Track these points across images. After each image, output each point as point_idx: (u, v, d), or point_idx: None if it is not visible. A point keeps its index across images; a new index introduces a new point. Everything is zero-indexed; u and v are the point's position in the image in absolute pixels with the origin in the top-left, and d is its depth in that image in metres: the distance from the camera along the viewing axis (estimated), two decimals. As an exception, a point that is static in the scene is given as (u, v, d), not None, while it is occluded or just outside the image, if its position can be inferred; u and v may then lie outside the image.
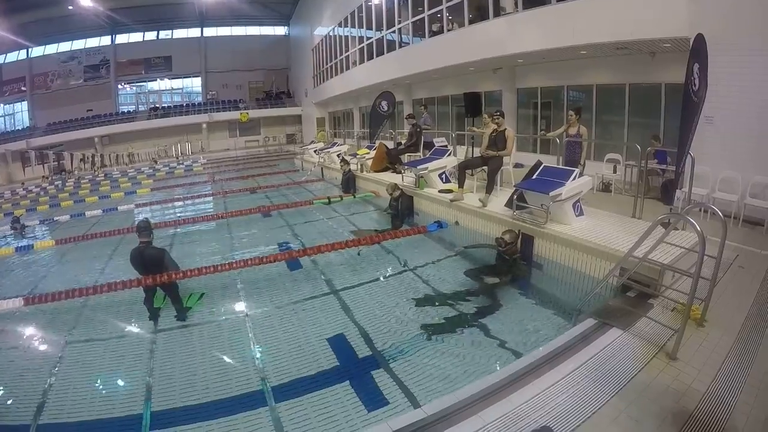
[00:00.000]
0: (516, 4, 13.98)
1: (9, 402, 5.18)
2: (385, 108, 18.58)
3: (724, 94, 8.56)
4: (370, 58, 25.01)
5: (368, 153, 16.22)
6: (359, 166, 16.04)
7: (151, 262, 7.02)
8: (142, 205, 16.75)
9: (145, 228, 7.01)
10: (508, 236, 7.29)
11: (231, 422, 4.44)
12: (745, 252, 7.14)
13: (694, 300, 4.50)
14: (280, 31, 50.89)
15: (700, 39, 7.10)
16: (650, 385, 4.05)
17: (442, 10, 17.45)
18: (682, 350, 4.45)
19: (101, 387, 5.37)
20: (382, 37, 23.08)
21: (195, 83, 50.14)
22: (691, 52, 6.95)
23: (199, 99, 49.40)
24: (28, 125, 43.27)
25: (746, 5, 8.52)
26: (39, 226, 14.79)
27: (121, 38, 46.42)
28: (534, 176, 8.28)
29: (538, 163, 8.66)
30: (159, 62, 48.02)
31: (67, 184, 27.48)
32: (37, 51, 43.81)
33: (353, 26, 27.25)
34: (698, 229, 4.32)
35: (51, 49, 44.28)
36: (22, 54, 43.40)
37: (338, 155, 18.97)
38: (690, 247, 5.77)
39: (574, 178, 7.64)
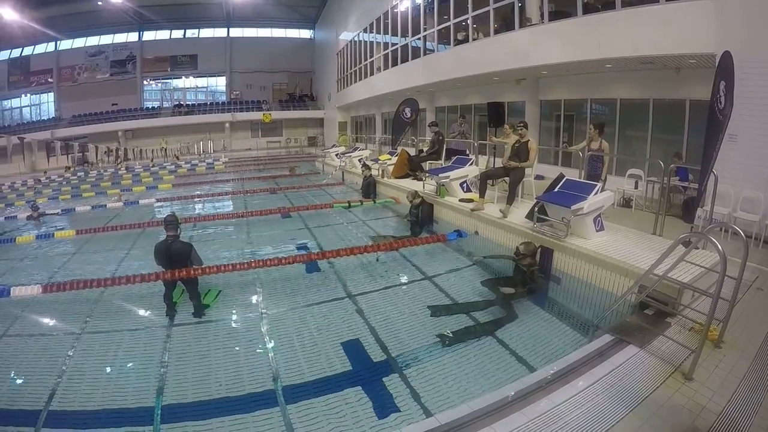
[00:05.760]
0: (542, 15, 13.96)
1: (22, 388, 5.26)
2: (408, 115, 18.66)
3: (748, 113, 8.46)
4: (395, 64, 25.10)
5: (390, 159, 16.30)
6: (380, 172, 16.11)
7: (178, 256, 7.10)
8: (163, 200, 16.92)
9: (172, 222, 7.10)
10: (523, 247, 7.25)
11: (241, 420, 4.47)
12: (765, 274, 7.06)
13: (712, 320, 4.48)
14: (306, 34, 51.33)
15: (726, 56, 7.07)
16: (665, 404, 4.05)
17: (467, 19, 17.49)
18: (699, 370, 4.44)
19: (114, 378, 5.41)
20: (407, 43, 23.15)
21: (219, 82, 50.78)
22: (717, 69, 6.93)
23: (223, 98, 50.03)
24: (53, 116, 44.04)
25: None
26: (60, 216, 15.05)
27: (148, 35, 47.25)
28: (556, 189, 8.26)
29: (561, 176, 8.64)
30: (185, 60, 48.69)
31: (89, 175, 27.85)
32: (65, 44, 44.86)
33: (378, 32, 27.38)
34: (720, 249, 4.30)
35: (79, 42, 45.22)
36: (50, 46, 44.45)
37: (359, 160, 19.05)
38: (710, 266, 5.74)
39: (596, 193, 7.62)
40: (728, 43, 8.05)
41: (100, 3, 40.18)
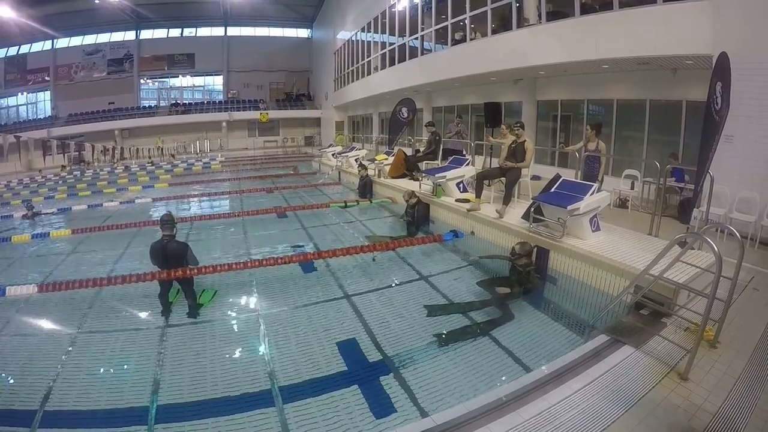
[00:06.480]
0: (539, 15, 13.97)
1: (17, 388, 5.21)
2: (405, 115, 18.64)
3: (744, 114, 8.46)
4: (392, 64, 25.11)
5: (386, 159, 16.29)
6: (377, 172, 16.09)
7: (174, 256, 7.08)
8: (159, 199, 16.87)
9: (168, 221, 7.08)
10: (519, 247, 7.24)
11: (237, 420, 4.46)
12: (760, 274, 7.08)
13: (708, 321, 4.48)
14: (303, 33, 51.36)
15: (723, 57, 7.08)
16: (661, 404, 4.05)
17: (465, 18, 17.49)
18: (694, 371, 4.44)
19: (109, 378, 5.40)
20: (405, 43, 23.13)
21: (216, 81, 50.76)
22: (714, 69, 6.94)
23: (220, 97, 50.03)
24: (49, 115, 44.00)
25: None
26: (56, 215, 15.00)
27: (146, 34, 47.27)
28: (552, 189, 8.25)
29: (557, 177, 8.64)
30: (182, 59, 48.68)
31: (85, 174, 27.78)
32: (62, 42, 44.85)
33: (376, 31, 27.36)
34: (716, 250, 4.30)
35: (76, 41, 45.22)
36: (47, 45, 44.42)
37: (356, 160, 19.03)
38: (706, 267, 5.74)
39: (593, 193, 7.62)
40: (725, 44, 8.06)
41: (97, 1, 40.11)
